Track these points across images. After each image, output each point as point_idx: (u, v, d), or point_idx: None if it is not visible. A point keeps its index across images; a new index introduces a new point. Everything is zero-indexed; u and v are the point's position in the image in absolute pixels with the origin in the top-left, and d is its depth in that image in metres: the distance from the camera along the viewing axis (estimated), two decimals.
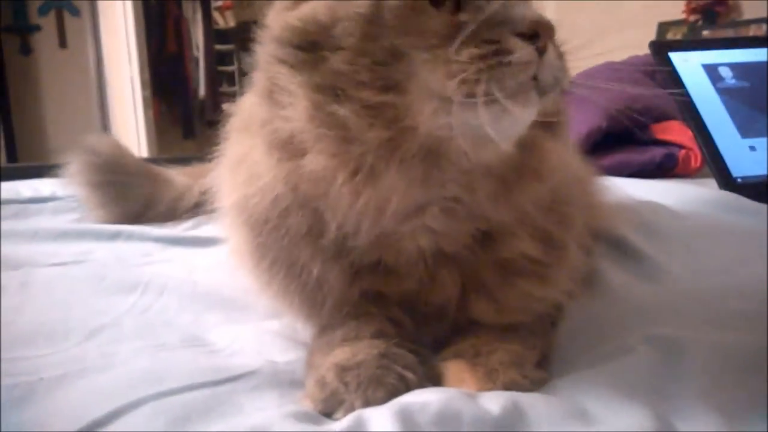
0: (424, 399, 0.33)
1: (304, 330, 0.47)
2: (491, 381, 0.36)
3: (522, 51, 0.34)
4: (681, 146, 1.18)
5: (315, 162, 0.36)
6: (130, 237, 0.75)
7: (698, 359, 0.36)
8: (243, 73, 3.93)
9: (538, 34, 0.34)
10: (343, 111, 0.35)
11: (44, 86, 3.69)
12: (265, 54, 0.39)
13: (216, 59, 4.04)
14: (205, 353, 0.44)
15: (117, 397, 0.36)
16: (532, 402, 0.33)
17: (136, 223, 0.82)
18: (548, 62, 0.35)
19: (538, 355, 0.39)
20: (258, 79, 0.41)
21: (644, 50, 2.07)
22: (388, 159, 0.35)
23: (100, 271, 0.61)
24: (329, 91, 0.35)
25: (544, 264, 0.42)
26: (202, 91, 4.02)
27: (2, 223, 0.83)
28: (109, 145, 0.90)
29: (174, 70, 3.91)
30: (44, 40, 3.68)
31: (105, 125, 3.72)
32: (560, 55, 0.37)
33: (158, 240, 0.74)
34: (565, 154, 0.43)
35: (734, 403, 0.34)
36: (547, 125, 0.38)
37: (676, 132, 1.20)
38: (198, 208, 0.82)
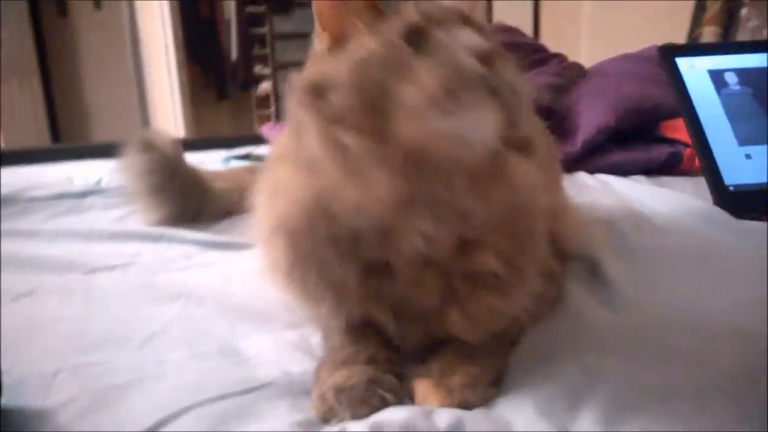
0: (393, 415, 0.44)
1: (319, 342, 0.57)
2: (449, 398, 0.47)
3: (475, 64, 0.44)
4: (687, 144, 1.23)
5: (328, 176, 0.47)
6: (172, 239, 0.85)
7: (604, 391, 0.45)
8: (274, 35, 4.00)
9: (489, 55, 0.45)
10: (342, 135, 0.46)
11: (81, 48, 3.80)
12: (292, 101, 0.50)
13: (247, 21, 4.08)
14: (236, 363, 0.54)
15: (170, 405, 0.46)
16: (473, 418, 0.44)
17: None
18: (499, 73, 0.45)
19: (493, 375, 0.50)
20: (290, 120, 0.52)
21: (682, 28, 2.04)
22: (377, 163, 0.46)
23: (149, 278, 0.72)
24: (332, 121, 0.46)
25: (505, 281, 0.52)
26: (234, 53, 4.09)
27: (62, 219, 0.95)
28: (171, 145, 0.97)
29: (207, 34, 3.98)
30: (79, 3, 3.77)
31: (140, 88, 3.84)
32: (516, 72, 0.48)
33: (197, 243, 0.84)
34: (532, 175, 0.52)
35: None
36: (517, 146, 0.48)
37: (684, 130, 1.25)
38: (233, 213, 0.92)
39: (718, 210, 0.86)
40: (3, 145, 2.70)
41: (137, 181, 0.95)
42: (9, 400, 0.47)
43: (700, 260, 0.70)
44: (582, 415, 0.44)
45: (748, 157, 1.00)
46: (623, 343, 0.52)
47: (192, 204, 0.94)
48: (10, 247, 0.83)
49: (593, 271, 0.66)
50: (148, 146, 0.94)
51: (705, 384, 0.47)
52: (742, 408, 0.44)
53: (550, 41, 1.83)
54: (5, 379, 0.47)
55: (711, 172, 0.98)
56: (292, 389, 0.50)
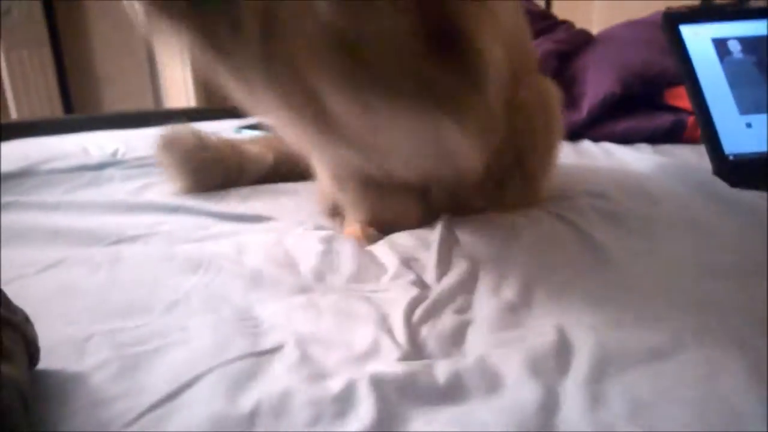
0: (395, 368, 0.48)
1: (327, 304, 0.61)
2: None
3: None
4: (691, 112, 1.24)
5: None
6: (188, 211, 0.90)
7: (592, 350, 0.49)
8: None
9: None
10: None
11: (90, 17, 3.78)
12: None
13: None
14: (251, 327, 0.58)
15: (193, 367, 0.50)
16: (470, 372, 0.48)
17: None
18: None
19: None
20: None
21: None
22: None
23: (169, 248, 0.76)
24: None
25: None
26: None
27: (82, 191, 0.99)
28: (192, 135, 1.02)
29: None
30: None
31: (150, 57, 3.83)
32: None
33: (211, 215, 0.88)
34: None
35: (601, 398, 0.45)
36: None
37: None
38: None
39: (714, 179, 0.88)
40: (15, 117, 2.73)
41: (169, 158, 1.00)
42: (45, 364, 0.51)
43: (687, 228, 0.73)
44: (570, 374, 0.47)
45: (748, 125, 1.02)
46: (610, 303, 0.56)
47: (225, 174, 1.00)
48: (34, 219, 0.87)
49: (582, 235, 0.70)
50: (172, 143, 0.99)
51: (688, 345, 0.50)
52: (725, 366, 0.47)
53: (562, 7, 1.82)
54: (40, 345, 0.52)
55: (711, 140, 1.00)
56: (301, 347, 0.54)
